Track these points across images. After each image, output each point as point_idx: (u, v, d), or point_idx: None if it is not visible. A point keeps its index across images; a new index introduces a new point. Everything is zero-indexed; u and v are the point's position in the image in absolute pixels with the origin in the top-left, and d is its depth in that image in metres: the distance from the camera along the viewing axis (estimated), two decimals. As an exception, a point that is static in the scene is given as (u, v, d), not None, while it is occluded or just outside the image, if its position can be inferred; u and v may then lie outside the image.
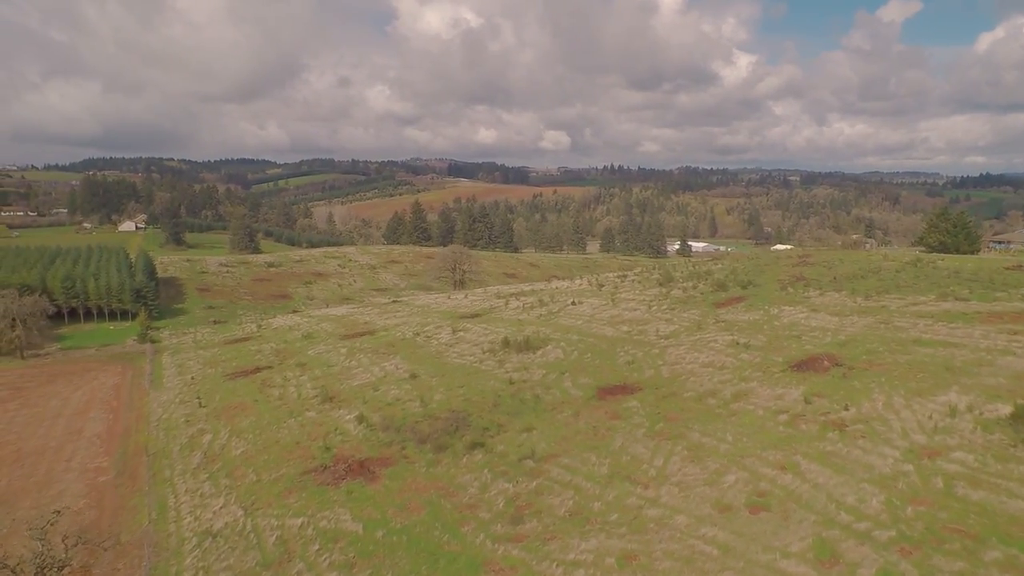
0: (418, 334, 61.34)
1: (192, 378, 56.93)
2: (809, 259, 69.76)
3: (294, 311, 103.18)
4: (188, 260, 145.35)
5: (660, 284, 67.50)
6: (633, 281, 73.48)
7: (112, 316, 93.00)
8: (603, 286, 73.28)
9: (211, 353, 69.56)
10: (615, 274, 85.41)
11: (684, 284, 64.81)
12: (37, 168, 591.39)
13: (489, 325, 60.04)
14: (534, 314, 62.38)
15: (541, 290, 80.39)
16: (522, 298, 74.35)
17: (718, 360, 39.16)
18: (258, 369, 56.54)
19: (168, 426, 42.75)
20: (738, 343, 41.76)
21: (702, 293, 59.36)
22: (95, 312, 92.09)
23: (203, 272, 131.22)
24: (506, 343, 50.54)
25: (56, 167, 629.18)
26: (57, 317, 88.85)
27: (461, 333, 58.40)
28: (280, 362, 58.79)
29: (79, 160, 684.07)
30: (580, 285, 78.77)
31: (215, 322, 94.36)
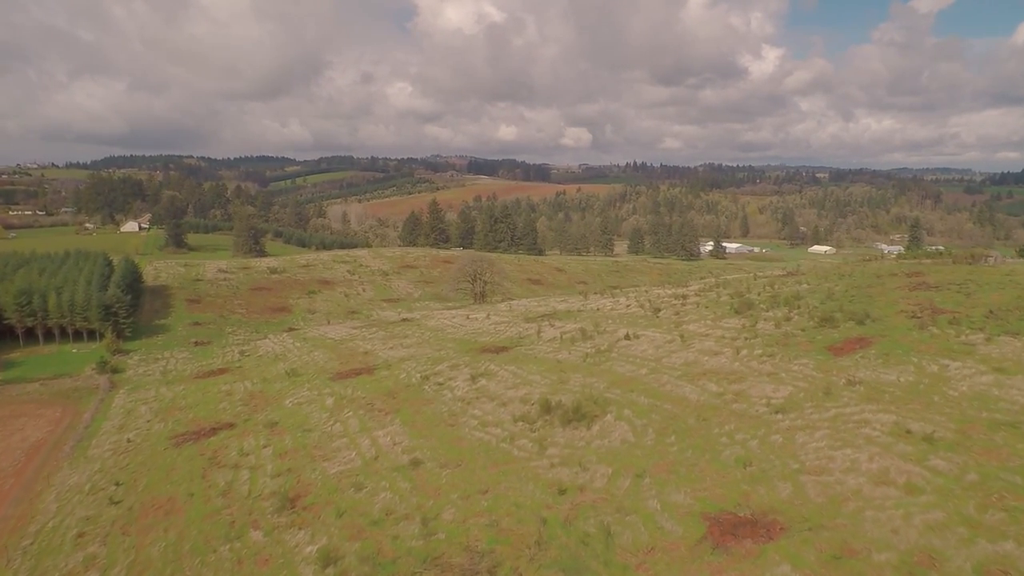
0: (427, 377, 47.43)
1: (129, 440, 43.38)
2: (925, 278, 54.49)
3: (290, 329, 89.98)
4: (185, 265, 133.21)
5: (737, 312, 52.65)
6: (697, 304, 58.76)
7: (78, 336, 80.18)
8: (660, 310, 58.61)
9: (174, 393, 56.29)
10: (670, 292, 70.54)
11: (770, 313, 49.96)
12: (57, 166, 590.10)
13: (519, 368, 45.86)
14: (577, 352, 48.01)
15: (579, 312, 65.94)
16: (557, 324, 60.06)
17: (895, 468, 24.41)
18: (215, 430, 42.85)
19: (47, 546, 29.03)
20: (909, 431, 26.98)
21: (802, 329, 44.48)
22: (58, 332, 79.30)
23: (198, 280, 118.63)
24: (546, 407, 36.27)
25: (77, 165, 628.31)
26: (11, 338, 76.37)
27: (483, 381, 44.28)
28: (247, 418, 45.10)
29: (100, 158, 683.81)
30: (628, 307, 64.13)
31: (196, 343, 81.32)
